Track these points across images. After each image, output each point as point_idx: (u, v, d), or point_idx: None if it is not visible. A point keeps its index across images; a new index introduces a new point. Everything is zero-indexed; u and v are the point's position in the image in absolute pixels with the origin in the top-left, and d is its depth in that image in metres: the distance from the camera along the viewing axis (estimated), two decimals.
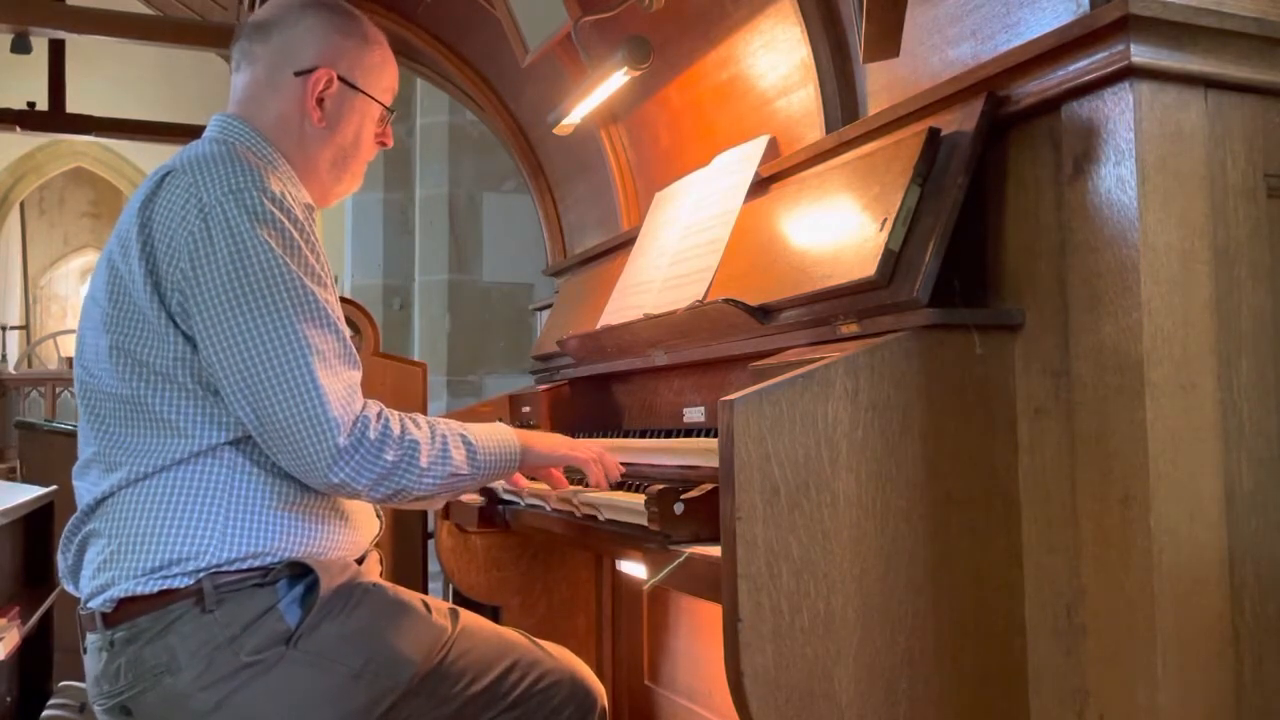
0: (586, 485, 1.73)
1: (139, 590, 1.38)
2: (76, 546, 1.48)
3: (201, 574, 1.38)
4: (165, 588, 1.37)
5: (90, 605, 1.42)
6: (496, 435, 1.59)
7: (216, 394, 1.41)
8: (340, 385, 1.40)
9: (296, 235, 1.42)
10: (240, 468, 1.42)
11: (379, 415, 1.42)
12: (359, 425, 1.39)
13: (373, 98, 1.65)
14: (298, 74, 1.58)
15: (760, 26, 1.94)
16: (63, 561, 1.51)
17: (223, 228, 1.38)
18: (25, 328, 12.30)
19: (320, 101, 1.59)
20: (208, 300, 1.37)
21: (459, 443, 1.51)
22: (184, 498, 1.40)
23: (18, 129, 6.78)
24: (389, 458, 1.41)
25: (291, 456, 1.38)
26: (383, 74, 1.67)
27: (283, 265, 1.39)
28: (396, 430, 1.43)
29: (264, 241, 1.38)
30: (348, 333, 1.47)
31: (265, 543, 1.41)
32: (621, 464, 1.75)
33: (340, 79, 1.60)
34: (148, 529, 1.39)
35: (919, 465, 1.29)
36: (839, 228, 1.52)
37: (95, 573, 1.42)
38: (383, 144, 1.71)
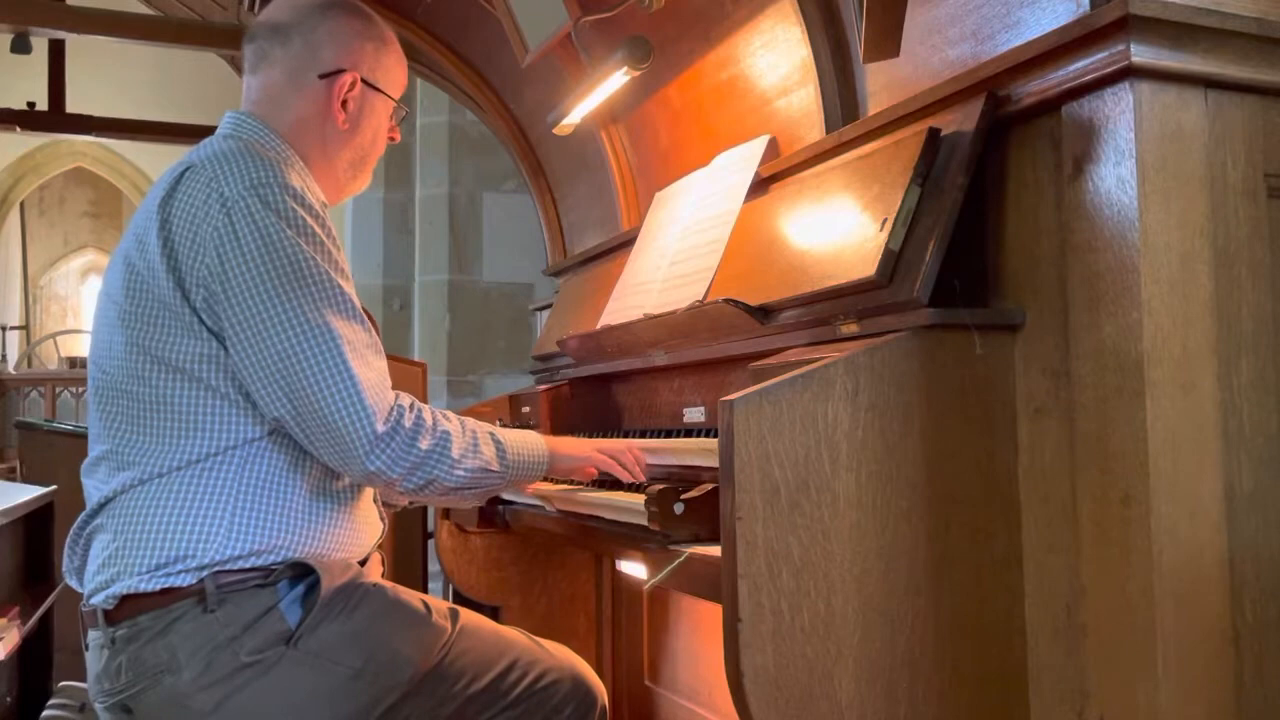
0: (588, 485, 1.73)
1: (141, 588, 1.38)
2: (83, 543, 1.49)
3: (204, 572, 1.38)
4: (167, 585, 1.38)
5: (93, 602, 1.43)
6: (525, 438, 1.62)
7: (238, 389, 1.42)
8: (373, 374, 1.42)
9: (319, 229, 1.44)
10: (249, 466, 1.42)
11: (412, 405, 1.45)
12: (394, 413, 1.42)
13: (391, 97, 1.69)
14: (322, 76, 1.60)
15: (760, 26, 1.94)
16: (69, 559, 1.51)
17: (248, 222, 1.39)
18: (25, 328, 12.29)
19: (344, 103, 1.61)
20: (238, 296, 1.38)
21: (488, 439, 1.54)
22: (190, 496, 1.40)
23: (18, 129, 6.78)
24: (423, 446, 1.43)
25: (329, 445, 1.39)
26: (398, 72, 1.71)
27: (309, 259, 1.40)
28: (429, 420, 1.46)
29: (289, 236, 1.40)
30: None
31: (269, 540, 1.41)
32: None
33: (363, 81, 1.63)
34: (152, 526, 1.39)
35: (919, 465, 1.29)
36: (839, 228, 1.52)
37: (99, 569, 1.42)
38: (391, 139, 1.74)
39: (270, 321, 1.38)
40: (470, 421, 1.54)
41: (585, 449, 1.70)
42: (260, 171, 1.42)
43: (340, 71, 1.60)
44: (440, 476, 1.46)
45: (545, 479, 1.73)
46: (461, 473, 1.48)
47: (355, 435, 1.38)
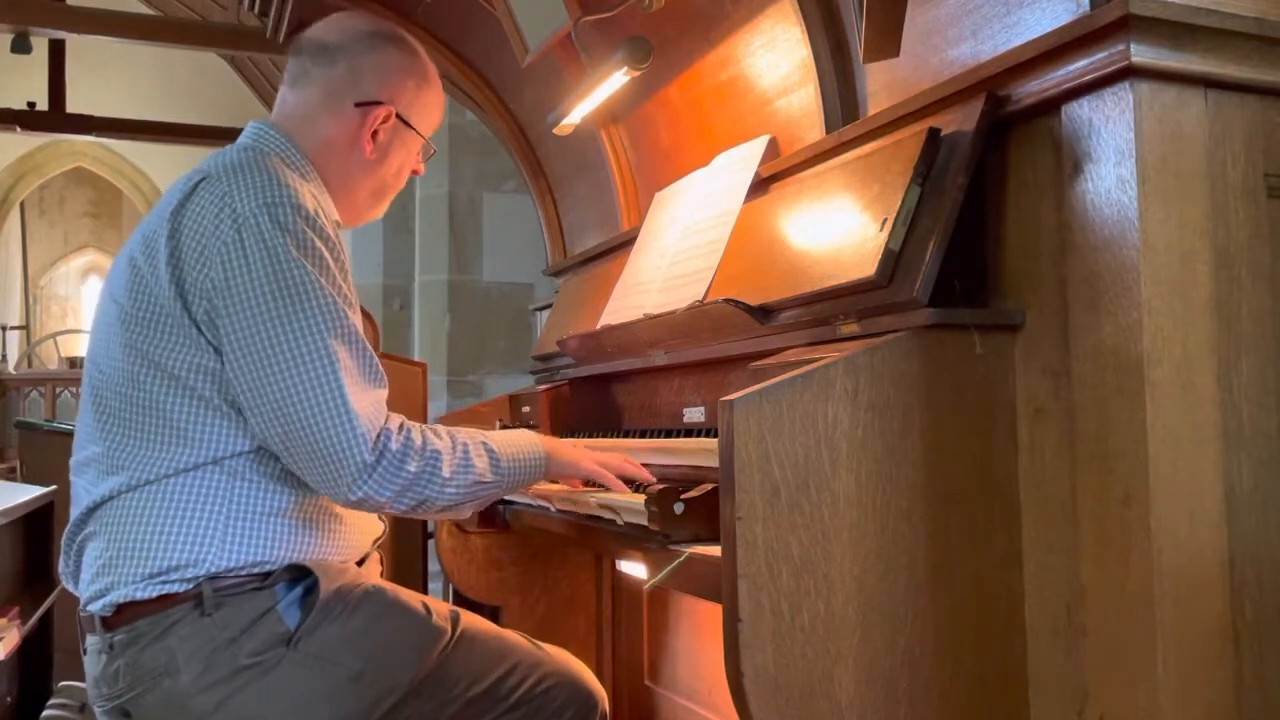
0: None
1: (138, 595, 1.38)
2: (76, 549, 1.48)
3: (200, 579, 1.38)
4: (164, 593, 1.38)
5: (90, 608, 1.43)
6: (521, 443, 1.59)
7: (229, 403, 1.41)
8: (368, 403, 1.40)
9: (327, 254, 1.43)
10: (241, 476, 1.42)
11: (400, 427, 1.43)
12: (381, 439, 1.40)
13: (422, 136, 1.69)
14: (358, 105, 1.60)
15: (760, 26, 1.94)
16: (64, 564, 1.51)
17: (257, 241, 1.38)
18: (25, 328, 12.29)
19: (375, 134, 1.61)
20: (239, 312, 1.37)
21: (481, 450, 1.51)
22: (184, 505, 1.40)
23: (18, 129, 6.79)
24: (411, 469, 1.41)
25: (316, 471, 1.39)
26: (435, 113, 1.71)
27: (315, 282, 1.39)
28: (418, 441, 1.43)
29: (296, 258, 1.39)
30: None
31: (264, 552, 1.41)
32: None
33: (398, 116, 1.63)
34: (147, 535, 1.39)
35: (919, 465, 1.29)
36: (839, 228, 1.52)
37: (94, 577, 1.42)
38: (415, 173, 1.74)
39: (269, 341, 1.37)
40: (462, 433, 1.52)
41: (583, 460, 1.65)
42: (274, 190, 1.41)
43: (377, 103, 1.60)
44: (432, 496, 1.44)
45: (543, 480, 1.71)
46: (454, 490, 1.46)
47: (344, 462, 1.37)
